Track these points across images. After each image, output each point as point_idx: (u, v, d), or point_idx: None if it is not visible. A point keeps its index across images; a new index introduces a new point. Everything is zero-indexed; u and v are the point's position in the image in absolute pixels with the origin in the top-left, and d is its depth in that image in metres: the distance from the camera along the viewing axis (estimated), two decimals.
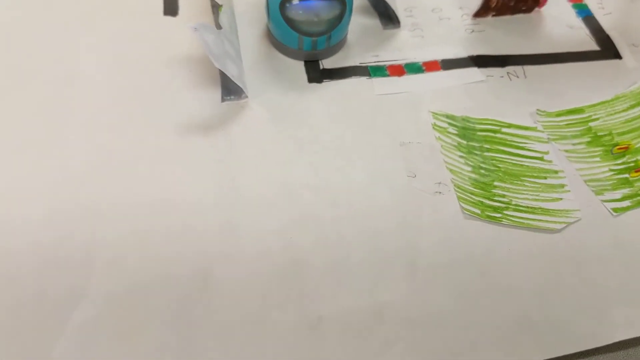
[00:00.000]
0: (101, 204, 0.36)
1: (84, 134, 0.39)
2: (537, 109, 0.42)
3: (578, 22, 0.49)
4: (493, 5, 0.48)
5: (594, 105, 0.43)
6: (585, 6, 0.51)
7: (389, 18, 0.48)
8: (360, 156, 0.39)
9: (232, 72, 0.40)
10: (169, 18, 0.47)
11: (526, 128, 0.41)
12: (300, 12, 0.40)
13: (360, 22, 0.48)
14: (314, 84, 0.43)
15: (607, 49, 0.47)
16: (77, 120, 0.40)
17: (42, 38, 0.44)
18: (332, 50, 0.45)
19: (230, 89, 0.42)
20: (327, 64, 0.45)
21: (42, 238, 0.34)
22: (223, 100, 0.42)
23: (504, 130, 0.41)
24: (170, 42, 0.45)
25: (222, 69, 0.39)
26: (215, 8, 0.40)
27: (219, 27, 0.40)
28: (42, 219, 0.35)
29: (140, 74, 0.43)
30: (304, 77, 0.44)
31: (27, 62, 0.43)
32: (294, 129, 0.41)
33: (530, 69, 0.45)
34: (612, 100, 0.43)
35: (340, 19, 0.41)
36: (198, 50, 0.44)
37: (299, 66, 0.44)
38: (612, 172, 0.40)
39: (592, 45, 0.48)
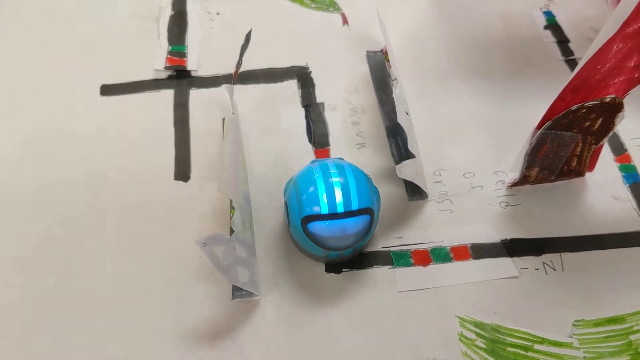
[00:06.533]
0: None
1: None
2: (575, 320, 0.39)
3: (624, 191, 0.45)
4: (531, 180, 0.43)
5: (636, 313, 0.39)
6: (634, 168, 0.46)
7: (415, 187, 0.44)
8: None
9: (242, 280, 0.37)
10: (180, 183, 0.44)
11: (560, 344, 0.38)
12: (325, 229, 0.36)
13: (383, 191, 0.44)
14: (332, 274, 0.40)
15: None
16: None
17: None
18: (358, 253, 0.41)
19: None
20: None
21: None
22: (234, 297, 0.39)
23: (537, 347, 0.38)
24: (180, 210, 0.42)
25: (231, 281, 0.36)
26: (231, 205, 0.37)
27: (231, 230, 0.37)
28: None
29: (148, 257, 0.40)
30: (322, 265, 0.41)
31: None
32: (306, 339, 0.38)
33: (569, 257, 0.41)
34: None
35: (368, 230, 0.38)
36: (211, 227, 0.42)
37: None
38: None
39: (639, 224, 0.43)
